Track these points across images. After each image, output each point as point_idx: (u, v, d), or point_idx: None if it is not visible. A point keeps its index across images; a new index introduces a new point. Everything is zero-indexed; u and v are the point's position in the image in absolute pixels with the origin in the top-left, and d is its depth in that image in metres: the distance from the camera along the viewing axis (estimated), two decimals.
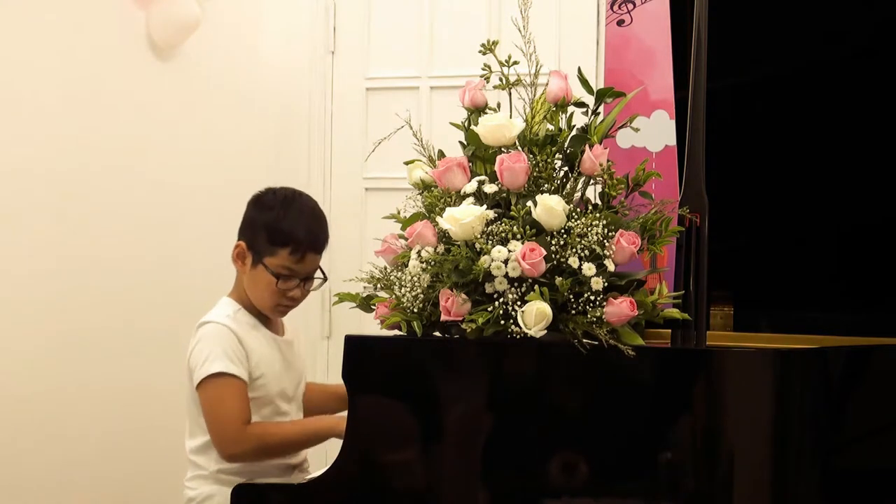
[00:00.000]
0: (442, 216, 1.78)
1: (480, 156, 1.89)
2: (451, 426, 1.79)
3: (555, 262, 1.71)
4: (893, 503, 1.95)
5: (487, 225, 1.75)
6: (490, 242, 1.72)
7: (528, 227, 1.73)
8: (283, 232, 2.20)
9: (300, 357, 2.39)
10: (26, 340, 2.68)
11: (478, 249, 1.73)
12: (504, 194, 1.81)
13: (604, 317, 1.68)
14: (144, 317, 3.04)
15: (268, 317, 2.29)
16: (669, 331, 1.82)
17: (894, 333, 2.03)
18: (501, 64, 1.89)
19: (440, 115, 3.33)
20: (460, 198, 1.82)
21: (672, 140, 2.26)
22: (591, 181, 1.86)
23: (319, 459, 2.33)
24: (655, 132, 2.27)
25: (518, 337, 1.68)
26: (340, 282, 2.06)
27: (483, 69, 1.94)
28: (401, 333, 1.81)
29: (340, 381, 1.86)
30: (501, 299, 1.70)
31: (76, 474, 2.83)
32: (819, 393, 1.80)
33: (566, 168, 1.85)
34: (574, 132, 1.86)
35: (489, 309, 1.70)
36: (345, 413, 2.11)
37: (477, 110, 1.93)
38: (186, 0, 3.11)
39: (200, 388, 2.15)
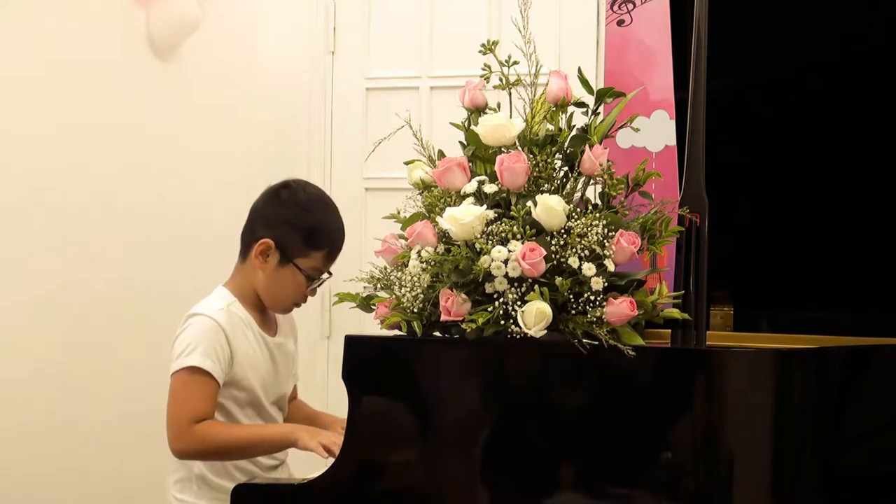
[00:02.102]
0: (442, 216, 1.78)
1: (480, 156, 1.89)
2: (451, 426, 1.79)
3: (555, 262, 1.71)
4: (893, 503, 1.95)
5: (487, 225, 1.75)
6: (490, 242, 1.72)
7: (528, 227, 1.73)
8: (323, 235, 2.19)
9: (290, 359, 2.35)
10: (25, 339, 2.68)
11: (478, 249, 1.73)
12: (504, 194, 1.81)
13: (604, 317, 1.68)
14: (144, 315, 3.03)
15: (262, 313, 2.26)
16: (669, 331, 1.82)
17: (894, 333, 2.03)
18: (501, 64, 1.89)
19: (440, 115, 3.33)
20: (460, 198, 1.82)
21: (672, 140, 2.27)
22: (591, 181, 1.85)
23: (319, 459, 2.32)
24: (655, 132, 2.27)
25: (518, 337, 1.68)
26: (340, 282, 2.06)
27: (483, 69, 1.93)
28: (401, 333, 1.81)
29: (340, 382, 1.86)
30: (501, 299, 1.70)
31: (75, 473, 2.83)
32: (819, 393, 1.80)
33: (566, 168, 1.85)
34: (574, 132, 1.86)
35: (489, 309, 1.70)
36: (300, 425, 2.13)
37: (477, 110, 1.93)
38: (186, 0, 3.11)
39: (172, 378, 2.13)
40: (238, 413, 2.19)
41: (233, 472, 2.17)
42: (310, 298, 2.28)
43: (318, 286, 2.25)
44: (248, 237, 2.25)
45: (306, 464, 2.30)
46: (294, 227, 2.19)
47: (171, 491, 2.24)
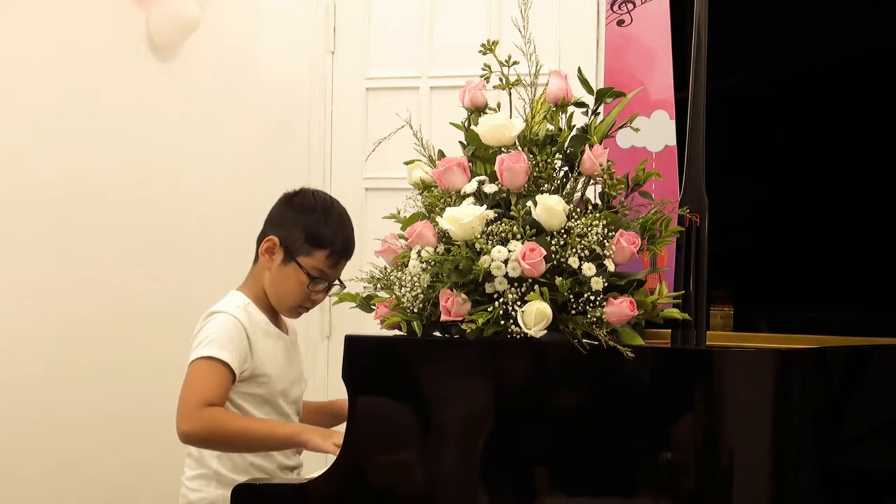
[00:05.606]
0: (442, 216, 1.78)
1: (480, 156, 1.89)
2: (451, 426, 1.79)
3: (555, 262, 1.71)
4: (893, 503, 1.95)
5: (487, 225, 1.75)
6: (490, 242, 1.72)
7: (528, 227, 1.73)
8: (322, 235, 2.23)
9: (301, 360, 2.39)
10: (27, 337, 2.69)
11: (478, 249, 1.73)
12: (504, 194, 1.81)
13: (604, 317, 1.68)
14: (143, 314, 3.04)
15: (274, 315, 2.30)
16: (669, 331, 1.82)
17: (894, 333, 2.03)
18: (501, 64, 1.89)
19: (440, 115, 3.32)
20: (460, 198, 1.82)
21: (672, 140, 2.26)
22: (591, 181, 1.85)
23: (319, 459, 2.33)
24: (655, 132, 2.26)
25: (518, 337, 1.68)
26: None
27: (483, 69, 1.93)
28: (401, 333, 1.81)
29: (340, 382, 1.86)
30: (501, 299, 1.70)
31: (77, 469, 2.83)
32: (819, 393, 1.80)
33: (566, 168, 1.85)
34: (574, 132, 1.86)
35: (489, 309, 1.70)
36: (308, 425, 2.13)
37: (477, 110, 1.93)
38: (186, 0, 3.11)
39: (189, 367, 2.14)
40: (255, 412, 2.20)
41: (250, 471, 2.18)
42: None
43: (324, 290, 2.26)
44: (259, 239, 2.31)
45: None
46: (297, 225, 2.25)
47: (185, 484, 2.25)
